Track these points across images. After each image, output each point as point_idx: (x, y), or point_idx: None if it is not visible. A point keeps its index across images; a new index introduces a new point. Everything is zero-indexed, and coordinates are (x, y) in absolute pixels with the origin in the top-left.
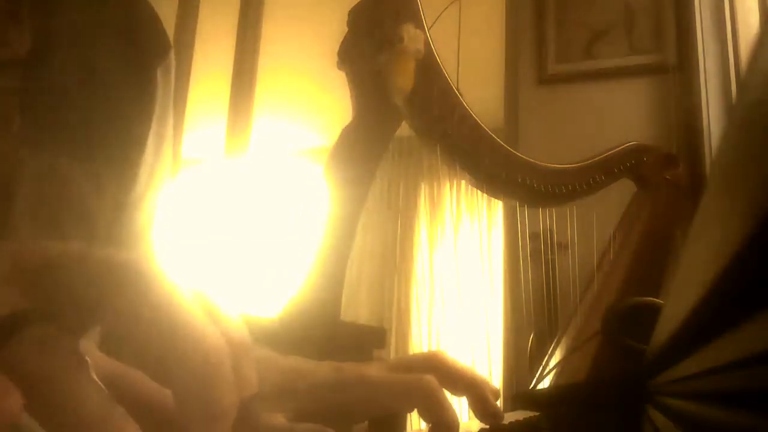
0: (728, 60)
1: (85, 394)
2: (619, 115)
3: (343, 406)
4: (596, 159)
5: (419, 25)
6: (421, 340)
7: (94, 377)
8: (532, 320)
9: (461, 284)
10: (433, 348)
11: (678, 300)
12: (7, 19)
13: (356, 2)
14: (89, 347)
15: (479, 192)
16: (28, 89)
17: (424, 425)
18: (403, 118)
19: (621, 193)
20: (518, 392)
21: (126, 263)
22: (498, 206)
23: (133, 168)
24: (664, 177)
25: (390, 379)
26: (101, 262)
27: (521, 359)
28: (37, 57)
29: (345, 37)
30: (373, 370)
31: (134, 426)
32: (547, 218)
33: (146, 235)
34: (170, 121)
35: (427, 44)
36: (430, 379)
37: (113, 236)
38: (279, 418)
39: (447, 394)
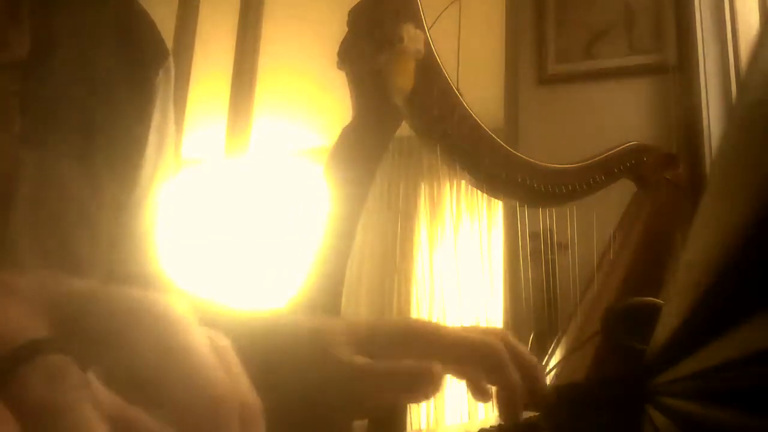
0: (728, 60)
1: (87, 429)
2: (619, 115)
3: (417, 346)
4: (596, 159)
5: (419, 25)
6: None
7: (97, 412)
8: (532, 320)
9: (461, 284)
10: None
11: (678, 300)
12: (6, 20)
13: (356, 2)
14: (92, 379)
15: (479, 192)
16: (29, 90)
17: (424, 425)
18: (403, 118)
19: (621, 193)
20: None
21: (140, 302)
22: (498, 206)
23: (133, 168)
24: (664, 177)
25: (465, 335)
26: (116, 300)
27: None
28: (36, 58)
29: (345, 37)
30: (442, 326)
31: None
32: (547, 218)
33: (150, 235)
34: (171, 120)
35: (427, 44)
36: (500, 344)
37: (117, 237)
38: (366, 359)
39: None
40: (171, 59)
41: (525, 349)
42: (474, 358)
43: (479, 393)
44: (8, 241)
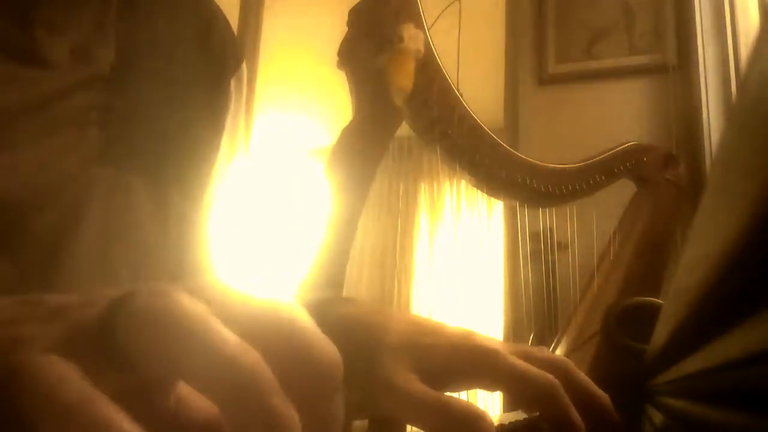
0: (728, 60)
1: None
2: (619, 115)
3: (470, 373)
4: (596, 159)
5: (419, 24)
6: None
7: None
8: (532, 320)
9: (461, 284)
10: None
11: (678, 300)
12: (94, 32)
13: (356, 2)
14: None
15: (479, 192)
16: (110, 104)
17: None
18: (403, 117)
19: (621, 193)
20: None
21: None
22: (498, 206)
23: (203, 181)
24: (664, 177)
25: (521, 365)
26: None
27: None
28: (120, 71)
29: (345, 37)
30: (503, 347)
31: None
32: (547, 218)
33: (205, 243)
34: (241, 128)
35: (427, 44)
36: (559, 385)
37: (180, 251)
38: (419, 383)
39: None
40: (244, 66)
41: (589, 381)
42: (532, 397)
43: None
44: (77, 256)
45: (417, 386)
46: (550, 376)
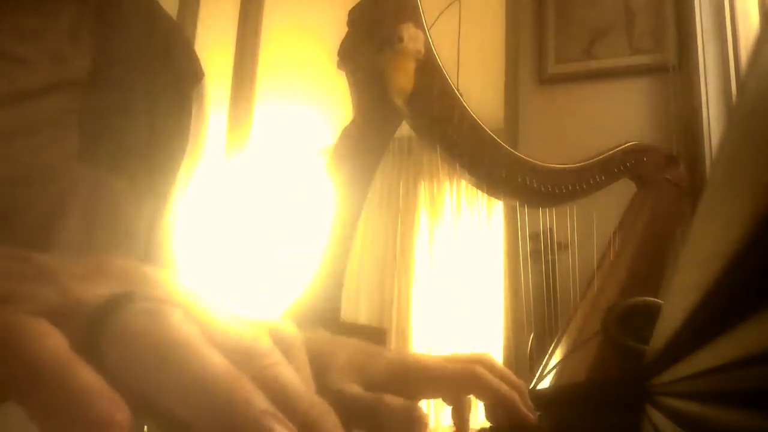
0: (728, 60)
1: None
2: (619, 115)
3: (405, 380)
4: (596, 159)
5: (419, 24)
6: (421, 341)
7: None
8: (532, 320)
9: (461, 284)
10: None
11: (678, 300)
12: (67, 38)
13: (356, 2)
14: None
15: (479, 191)
16: (88, 108)
17: (430, 425)
18: (403, 117)
19: (621, 193)
20: None
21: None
22: (498, 206)
23: (171, 182)
24: (664, 177)
25: (447, 366)
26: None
27: (521, 359)
28: (96, 77)
29: (345, 37)
30: (431, 360)
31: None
32: (547, 218)
33: (168, 245)
34: (203, 137)
35: (427, 44)
36: (478, 366)
37: (150, 250)
38: (359, 389)
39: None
40: (205, 80)
41: (508, 371)
42: (461, 388)
43: (461, 421)
44: (61, 247)
45: (355, 389)
46: (473, 365)
